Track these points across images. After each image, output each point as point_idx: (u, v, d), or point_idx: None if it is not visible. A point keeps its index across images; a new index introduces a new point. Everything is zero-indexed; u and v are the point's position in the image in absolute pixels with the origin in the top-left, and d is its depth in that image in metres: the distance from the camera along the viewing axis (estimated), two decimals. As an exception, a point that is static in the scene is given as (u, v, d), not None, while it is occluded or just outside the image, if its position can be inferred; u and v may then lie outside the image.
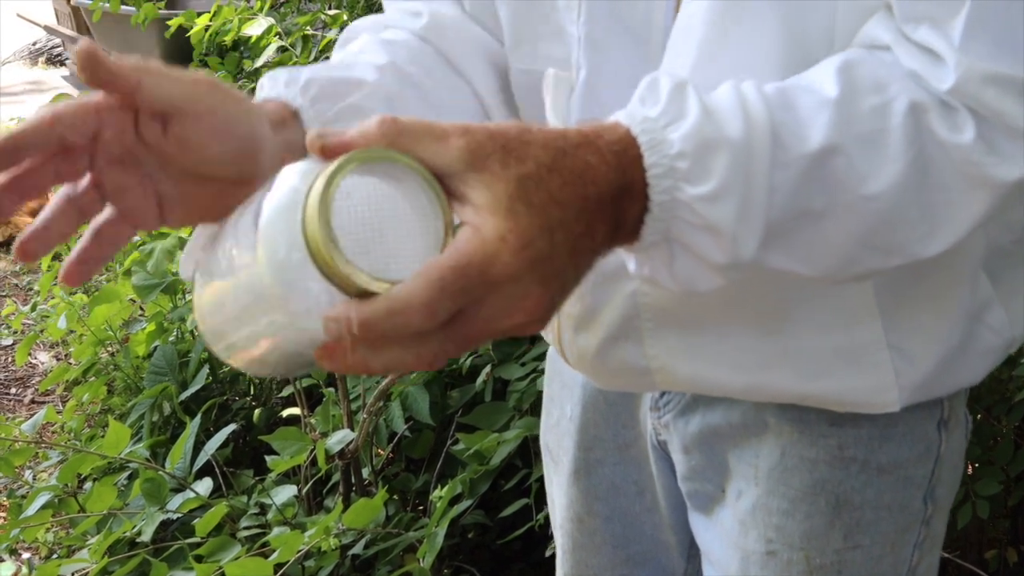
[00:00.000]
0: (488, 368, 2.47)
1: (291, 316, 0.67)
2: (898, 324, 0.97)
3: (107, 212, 0.80)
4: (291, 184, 0.67)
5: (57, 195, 0.78)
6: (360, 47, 1.02)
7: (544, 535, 2.24)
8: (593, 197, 0.69)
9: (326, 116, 0.89)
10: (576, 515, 1.25)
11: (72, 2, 8.02)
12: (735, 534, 1.11)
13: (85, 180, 0.79)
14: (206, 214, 0.80)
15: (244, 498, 2.54)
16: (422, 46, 1.04)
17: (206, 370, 3.07)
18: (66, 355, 4.17)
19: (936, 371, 0.99)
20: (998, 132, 0.77)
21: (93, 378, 3.37)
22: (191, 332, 3.25)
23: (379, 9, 3.71)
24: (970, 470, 2.15)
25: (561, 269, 0.68)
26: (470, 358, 2.53)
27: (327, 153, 0.67)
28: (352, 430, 2.40)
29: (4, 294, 4.91)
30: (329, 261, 0.64)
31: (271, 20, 3.85)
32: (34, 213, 4.77)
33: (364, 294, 0.65)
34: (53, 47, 9.27)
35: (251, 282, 0.69)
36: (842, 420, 1.03)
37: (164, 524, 2.47)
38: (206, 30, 4.01)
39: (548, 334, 1.10)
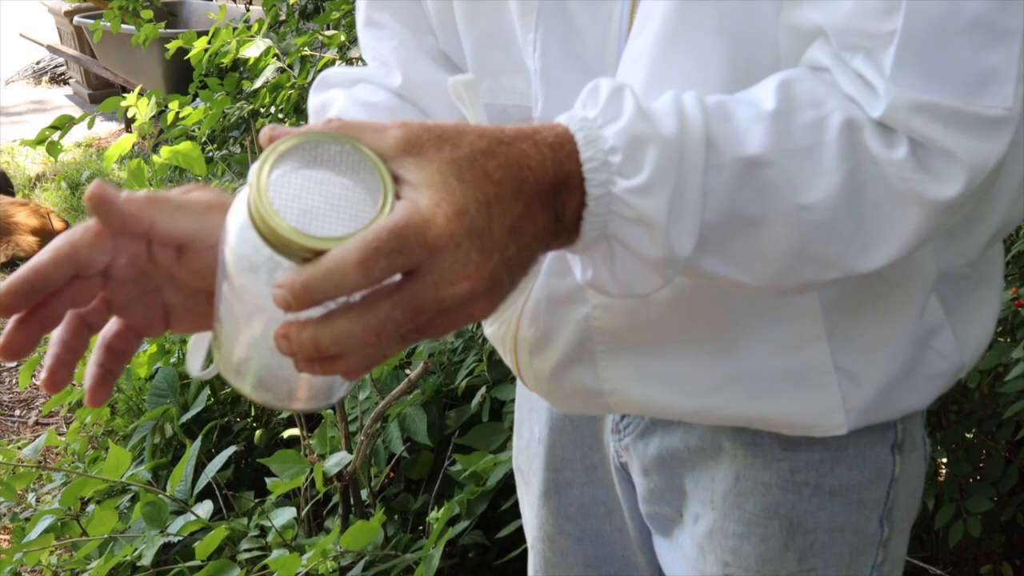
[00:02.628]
0: (484, 389, 2.49)
1: (255, 306, 0.70)
2: (845, 346, 0.98)
3: (114, 325, 0.81)
4: (244, 191, 0.70)
5: (67, 319, 0.79)
6: (341, 110, 1.05)
7: (541, 555, 2.26)
8: (530, 181, 0.71)
9: None
10: (548, 535, 1.28)
11: (74, 22, 8.07)
12: (693, 558, 1.13)
13: (94, 301, 0.80)
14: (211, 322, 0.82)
15: (244, 520, 2.56)
16: (402, 106, 1.07)
17: (207, 392, 3.09)
18: (69, 376, 4.18)
19: (883, 394, 1.00)
20: (931, 153, 0.79)
21: (95, 400, 3.38)
22: (192, 354, 3.27)
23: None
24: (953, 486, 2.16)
25: (501, 243, 0.69)
26: (466, 379, 2.55)
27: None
28: (350, 452, 2.42)
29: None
30: (272, 231, 0.66)
31: (269, 41, 3.88)
32: (33, 231, 4.76)
33: (312, 257, 0.66)
34: (56, 66, 9.31)
35: (224, 285, 0.72)
36: (795, 444, 1.05)
37: (165, 547, 2.49)
38: (205, 51, 4.04)
39: (507, 358, 1.12)
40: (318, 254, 0.66)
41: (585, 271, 0.82)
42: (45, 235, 5.48)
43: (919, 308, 0.98)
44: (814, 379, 0.99)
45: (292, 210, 0.67)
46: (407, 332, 0.68)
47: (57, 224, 5.56)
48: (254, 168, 0.68)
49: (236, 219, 0.70)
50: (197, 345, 0.85)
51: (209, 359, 0.83)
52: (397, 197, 0.68)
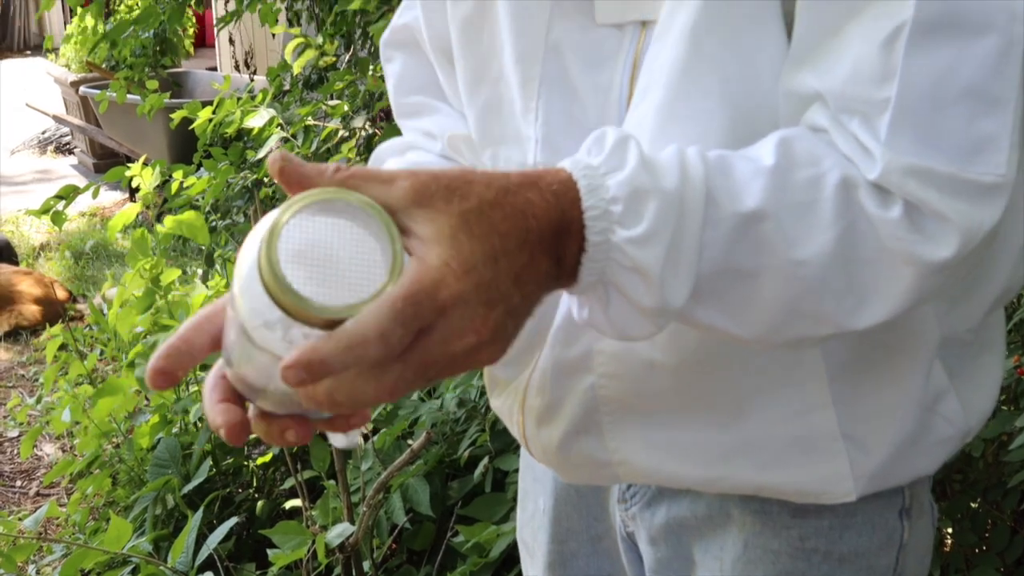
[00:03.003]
0: (487, 459, 2.48)
1: (266, 351, 0.70)
2: (852, 414, 0.99)
3: None
4: (256, 234, 0.71)
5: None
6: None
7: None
8: (534, 230, 0.73)
9: None
10: None
11: (80, 92, 8.14)
12: None
13: None
14: None
15: (246, 592, 2.54)
16: (447, 164, 1.11)
17: (209, 462, 3.08)
18: (71, 447, 4.18)
19: (891, 460, 1.00)
20: (924, 215, 0.80)
21: (97, 471, 3.38)
22: (194, 424, 3.27)
23: (377, 100, 3.75)
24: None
25: (506, 293, 0.71)
26: (468, 449, 2.54)
27: (283, 176, 0.71)
28: (352, 523, 2.40)
29: (10, 385, 4.93)
30: (279, 294, 0.67)
31: (272, 112, 3.91)
32: (36, 300, 4.78)
33: (322, 323, 0.67)
34: (62, 136, 9.38)
35: (240, 329, 0.72)
36: (804, 511, 1.05)
37: (166, 620, 2.47)
38: (209, 121, 4.07)
39: (514, 429, 1.12)
40: (330, 320, 0.67)
41: (581, 311, 0.83)
42: (48, 304, 5.49)
43: (924, 374, 0.99)
44: (822, 446, 0.99)
45: (301, 274, 0.67)
46: (418, 384, 0.70)
47: (60, 294, 5.57)
48: (265, 229, 0.68)
49: (245, 272, 0.70)
50: None
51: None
52: (408, 252, 0.70)
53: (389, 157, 1.16)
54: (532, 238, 0.72)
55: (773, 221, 0.79)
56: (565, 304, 1.00)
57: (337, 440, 0.87)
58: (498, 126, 1.05)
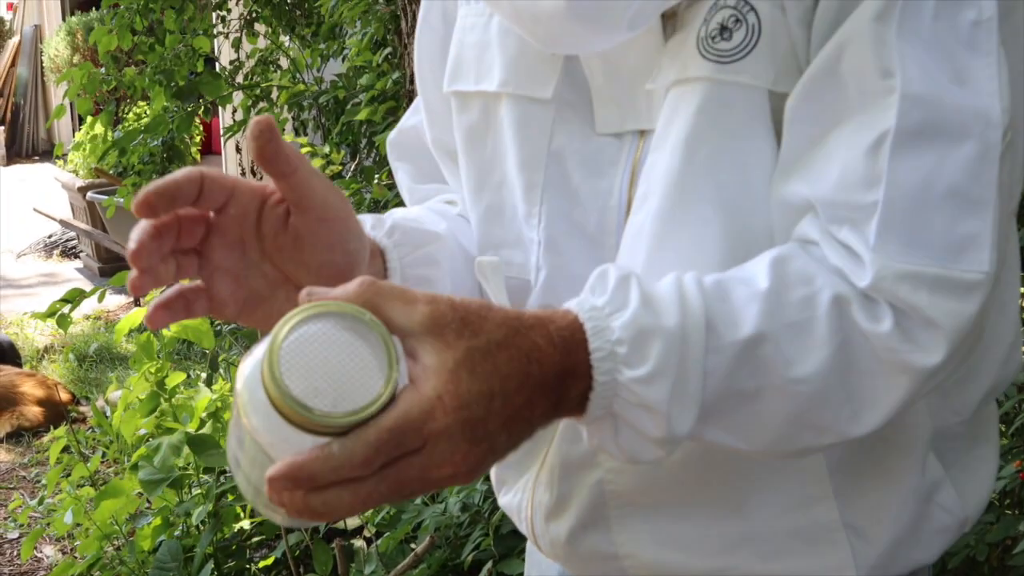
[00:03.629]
0: (490, 563, 2.48)
1: (265, 453, 0.75)
2: (853, 504, 1.01)
3: (195, 282, 0.89)
4: (265, 339, 0.75)
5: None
6: (417, 211, 1.14)
7: None
8: (536, 375, 0.77)
9: (406, 259, 1.02)
10: None
11: (87, 197, 8.24)
12: None
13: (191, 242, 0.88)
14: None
15: None
16: (464, 223, 1.15)
17: (211, 565, 3.08)
18: (71, 549, 4.16)
19: (892, 549, 1.02)
20: (914, 323, 0.84)
21: (98, 573, 3.36)
22: (197, 527, 3.26)
23: (382, 207, 3.81)
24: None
25: (493, 433, 0.75)
26: (472, 553, 2.54)
27: (309, 296, 0.76)
28: (355, 627, 2.40)
29: (11, 487, 4.91)
30: (275, 397, 0.71)
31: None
32: (39, 402, 4.77)
33: (311, 429, 0.72)
34: (68, 240, 9.46)
35: (241, 427, 0.76)
36: None
37: None
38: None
39: (523, 525, 1.14)
40: (316, 427, 0.72)
41: (591, 439, 0.86)
42: (51, 406, 5.50)
43: (919, 465, 1.01)
44: (824, 537, 1.01)
45: (297, 378, 0.72)
46: (391, 500, 0.74)
47: (63, 396, 5.59)
48: (272, 334, 0.73)
49: (249, 371, 0.75)
50: None
51: None
52: (409, 379, 0.74)
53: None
54: (532, 382, 0.76)
55: (771, 343, 0.83)
56: None
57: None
58: (500, 230, 1.09)
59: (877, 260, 0.84)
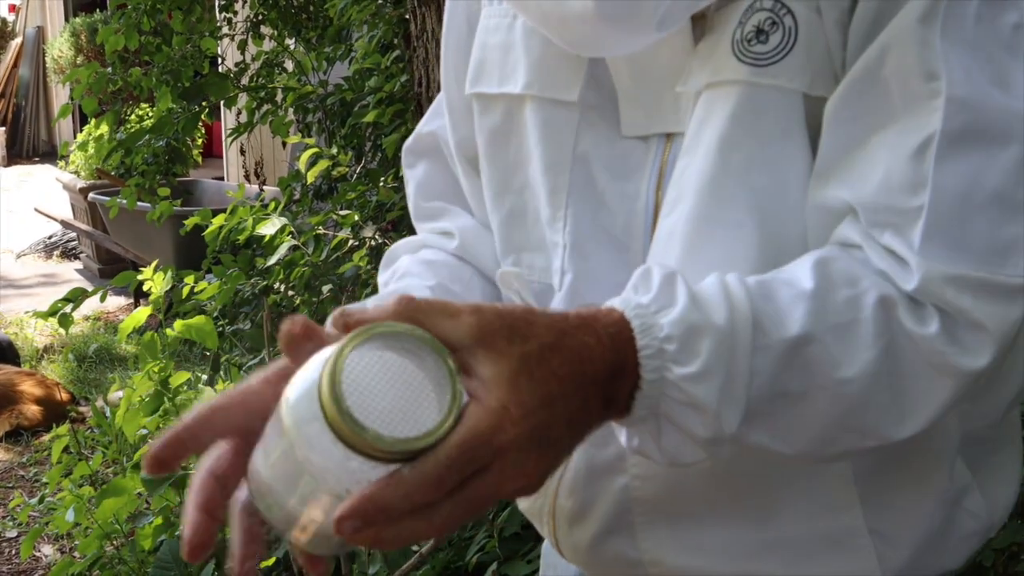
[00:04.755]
0: (495, 565, 2.48)
1: (317, 483, 0.71)
2: (878, 510, 1.01)
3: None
4: (314, 362, 0.73)
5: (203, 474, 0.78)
6: (406, 269, 1.13)
7: None
8: (590, 374, 0.75)
9: None
10: None
11: (89, 198, 8.24)
12: None
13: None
14: None
15: None
16: (460, 264, 1.15)
17: (212, 565, 3.07)
18: (70, 548, 4.15)
19: (918, 555, 1.02)
20: (960, 326, 0.84)
21: (98, 572, 3.35)
22: (198, 526, 3.25)
23: (388, 210, 3.80)
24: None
25: (559, 437, 0.74)
26: (476, 555, 2.54)
27: (349, 329, 0.73)
28: (358, 627, 2.39)
29: (10, 486, 4.91)
30: (340, 425, 0.68)
31: (284, 220, 3.97)
32: (37, 401, 4.78)
33: (378, 456, 0.69)
34: (68, 241, 9.46)
35: (286, 455, 0.73)
36: None
37: None
38: (221, 228, 4.13)
39: (544, 529, 1.14)
40: (382, 453, 0.69)
41: (631, 440, 0.86)
42: (50, 405, 5.49)
43: (947, 471, 1.01)
44: (850, 543, 1.01)
45: (362, 405, 0.69)
46: (465, 519, 0.71)
47: (63, 395, 5.58)
48: (328, 359, 0.70)
49: (302, 388, 0.71)
50: None
51: None
52: (468, 392, 0.72)
53: (403, 254, 1.19)
54: (587, 381, 0.75)
55: (818, 344, 0.82)
56: None
57: None
58: (522, 233, 1.09)
59: (923, 264, 0.83)
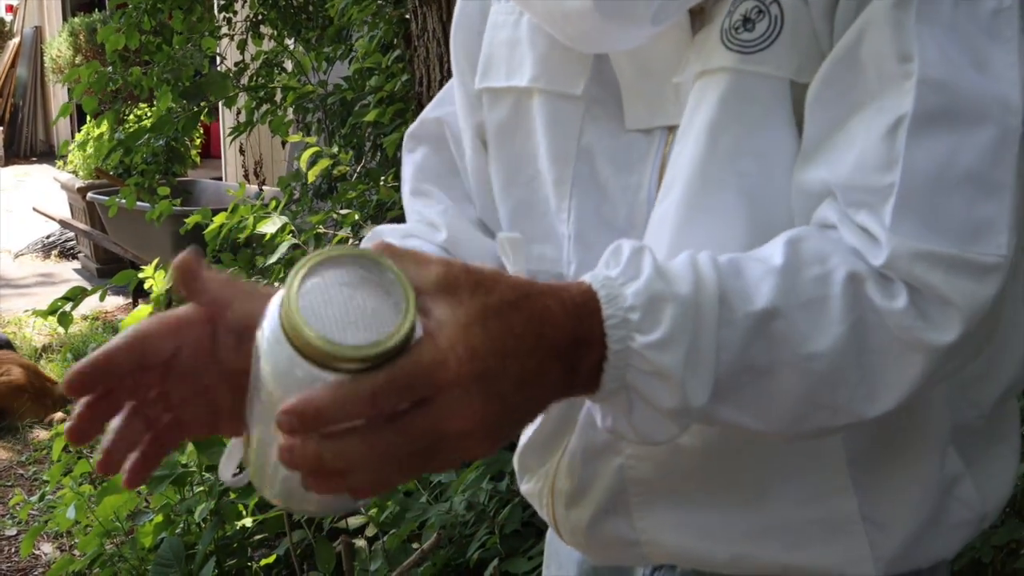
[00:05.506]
0: (496, 562, 2.49)
1: (271, 399, 0.73)
2: (871, 496, 1.02)
3: (165, 419, 0.85)
4: (275, 298, 0.74)
5: (126, 408, 0.83)
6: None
7: None
8: (549, 338, 0.77)
9: None
10: None
11: (87, 198, 8.24)
12: None
13: (152, 392, 0.84)
14: None
15: None
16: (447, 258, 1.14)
17: (212, 563, 3.08)
18: (70, 547, 4.16)
19: (910, 542, 1.03)
20: (928, 301, 0.85)
21: (98, 570, 3.36)
22: (198, 524, 3.27)
23: (388, 209, 3.81)
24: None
25: (506, 393, 0.75)
26: (477, 551, 2.55)
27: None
28: (359, 624, 2.40)
29: (9, 484, 4.91)
30: (289, 327, 0.70)
31: (285, 219, 3.98)
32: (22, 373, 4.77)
33: (330, 366, 0.70)
34: (66, 241, 9.46)
35: (258, 384, 0.75)
36: None
37: None
38: (221, 227, 4.13)
39: (543, 512, 1.15)
40: (338, 363, 0.70)
41: (605, 419, 0.87)
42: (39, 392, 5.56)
43: (938, 459, 1.02)
44: (843, 528, 1.02)
45: (319, 315, 0.71)
46: (406, 457, 0.73)
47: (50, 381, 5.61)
48: (290, 274, 0.72)
49: (269, 328, 0.74)
50: (232, 453, 0.87)
51: (240, 467, 0.86)
52: (424, 331, 0.73)
53: (389, 238, 1.19)
54: (545, 344, 0.77)
55: (785, 319, 0.84)
56: None
57: (225, 475, 0.89)
58: (530, 224, 1.11)
59: (893, 239, 0.85)
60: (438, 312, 0.74)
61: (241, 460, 0.85)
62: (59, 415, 5.24)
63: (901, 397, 0.87)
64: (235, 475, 0.88)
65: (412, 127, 1.30)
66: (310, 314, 0.71)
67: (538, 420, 1.13)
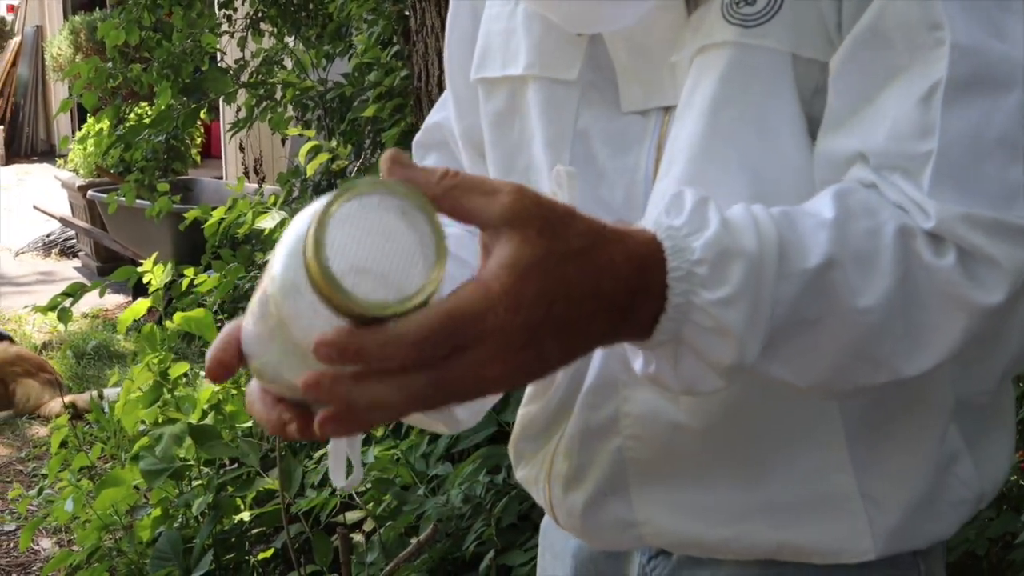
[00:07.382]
0: (491, 555, 2.49)
1: (293, 339, 0.70)
2: (870, 473, 1.02)
3: None
4: (303, 216, 0.71)
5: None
6: None
7: None
8: (606, 291, 0.75)
9: None
10: None
11: (88, 196, 8.25)
12: None
13: None
14: None
15: None
16: (467, 235, 1.14)
17: (210, 557, 3.08)
18: (69, 541, 4.16)
19: (908, 520, 1.03)
20: (976, 260, 0.85)
21: (96, 564, 3.37)
22: (196, 518, 3.27)
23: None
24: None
25: (543, 338, 0.72)
26: (474, 544, 2.55)
27: (390, 175, 0.72)
28: (356, 616, 2.41)
29: (8, 480, 4.92)
30: (320, 281, 0.67)
31: (284, 214, 3.99)
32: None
33: (356, 317, 0.67)
34: (66, 239, 9.46)
35: (267, 307, 0.72)
36: None
37: None
38: (220, 223, 4.15)
39: (540, 496, 1.15)
40: (360, 314, 0.67)
41: (647, 366, 0.85)
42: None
43: (939, 436, 1.02)
44: (841, 505, 1.02)
45: (339, 261, 0.67)
46: (434, 399, 0.71)
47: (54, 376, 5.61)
48: (316, 211, 0.68)
49: (286, 243, 0.71)
50: (336, 457, 0.87)
51: (350, 468, 0.86)
52: (480, 269, 0.70)
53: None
54: (602, 295, 0.75)
55: (839, 271, 0.83)
56: (594, 368, 1.04)
57: (338, 480, 0.89)
58: None
59: (935, 204, 0.85)
60: (499, 252, 0.71)
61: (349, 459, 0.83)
62: (57, 409, 5.22)
63: (940, 357, 0.87)
64: (347, 478, 0.87)
65: (418, 136, 1.30)
66: (335, 256, 0.67)
67: (534, 412, 1.13)
